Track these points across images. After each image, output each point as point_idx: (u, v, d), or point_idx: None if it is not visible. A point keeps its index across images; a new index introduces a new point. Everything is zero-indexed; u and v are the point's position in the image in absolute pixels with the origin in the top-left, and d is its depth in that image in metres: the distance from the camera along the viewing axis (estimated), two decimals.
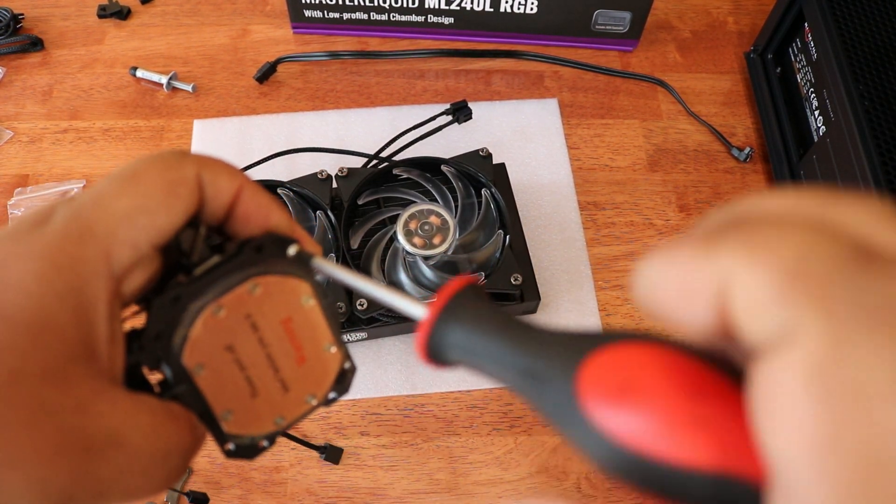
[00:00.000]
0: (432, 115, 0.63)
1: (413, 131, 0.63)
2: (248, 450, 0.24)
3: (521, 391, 0.19)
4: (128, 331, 0.22)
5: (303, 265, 0.24)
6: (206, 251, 0.23)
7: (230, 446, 0.23)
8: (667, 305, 0.15)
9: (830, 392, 0.11)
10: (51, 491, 0.18)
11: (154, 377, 0.22)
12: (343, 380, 0.26)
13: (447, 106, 0.64)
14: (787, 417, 0.12)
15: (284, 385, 0.24)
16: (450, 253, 0.56)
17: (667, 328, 0.15)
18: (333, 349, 0.25)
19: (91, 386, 0.19)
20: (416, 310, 0.22)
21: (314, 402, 0.25)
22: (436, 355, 0.21)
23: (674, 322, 0.15)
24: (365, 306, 0.53)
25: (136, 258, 0.21)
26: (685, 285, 0.14)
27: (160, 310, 0.21)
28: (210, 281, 0.22)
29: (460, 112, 0.63)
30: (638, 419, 0.15)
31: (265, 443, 0.24)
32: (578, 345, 0.17)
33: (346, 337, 0.57)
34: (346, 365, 0.26)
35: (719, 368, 0.15)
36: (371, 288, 0.24)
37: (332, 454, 0.54)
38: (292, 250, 0.24)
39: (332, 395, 0.26)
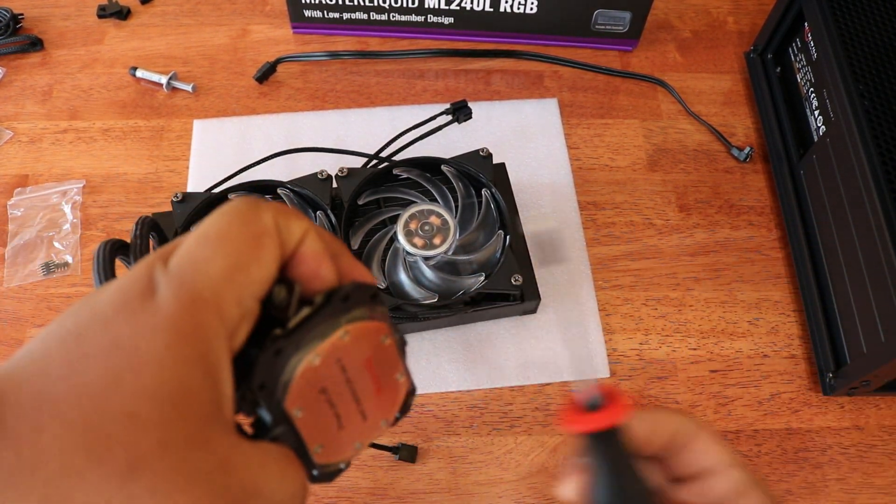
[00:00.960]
0: (432, 114, 0.63)
1: (413, 131, 0.63)
2: (329, 475, 0.26)
3: None
4: None
5: (380, 307, 0.26)
6: (296, 303, 0.24)
7: (315, 472, 0.25)
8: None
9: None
10: None
11: (245, 420, 0.24)
12: (408, 401, 0.28)
13: (447, 106, 0.64)
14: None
15: (364, 414, 0.26)
16: (450, 253, 0.56)
17: None
18: (402, 378, 0.28)
19: (228, 443, 0.21)
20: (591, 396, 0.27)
21: (385, 426, 0.28)
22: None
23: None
24: None
25: (243, 314, 0.22)
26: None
27: (265, 363, 0.23)
28: (306, 332, 0.24)
29: (460, 112, 0.63)
30: None
31: (343, 465, 0.27)
32: None
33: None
34: (410, 388, 0.28)
35: None
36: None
37: (406, 453, 0.54)
38: (373, 296, 0.26)
39: (397, 415, 0.29)
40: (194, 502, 0.19)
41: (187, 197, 0.56)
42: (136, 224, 0.36)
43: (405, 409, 0.28)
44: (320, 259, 0.25)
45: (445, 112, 0.63)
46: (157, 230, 0.40)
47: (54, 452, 0.18)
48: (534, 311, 0.60)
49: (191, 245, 0.22)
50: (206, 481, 0.19)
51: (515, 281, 0.54)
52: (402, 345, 0.28)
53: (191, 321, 0.20)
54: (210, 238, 0.22)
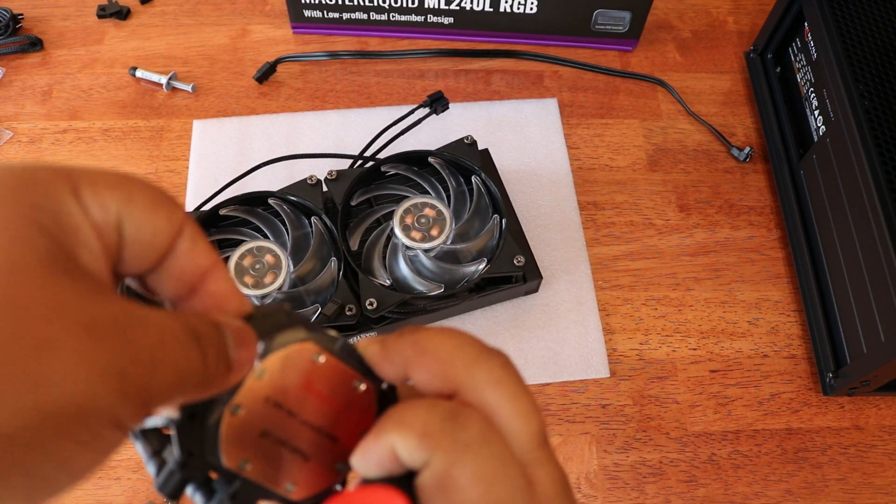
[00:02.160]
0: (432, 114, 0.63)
1: (394, 127, 0.63)
2: (320, 498, 0.25)
3: None
4: (160, 452, 0.22)
5: (297, 325, 0.24)
6: None
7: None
8: (375, 468, 0.24)
9: (444, 483, 0.22)
10: (101, 366, 0.17)
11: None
12: (386, 402, 0.26)
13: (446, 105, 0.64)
14: (429, 499, 0.22)
15: (332, 437, 0.25)
16: (449, 243, 0.56)
17: None
18: (363, 385, 0.25)
19: (96, 282, 0.19)
20: None
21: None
22: None
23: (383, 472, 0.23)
24: (374, 306, 0.53)
25: (109, 224, 0.20)
26: (378, 459, 0.23)
27: (181, 432, 0.22)
28: None
29: (437, 103, 0.64)
30: None
31: (338, 487, 0.25)
32: None
33: (356, 338, 0.57)
34: (384, 387, 0.26)
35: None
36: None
37: None
38: (283, 317, 0.23)
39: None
40: (66, 327, 0.17)
41: None
42: None
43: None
44: (231, 301, 0.22)
45: (422, 105, 0.63)
46: None
47: None
48: (536, 290, 0.61)
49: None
50: (76, 305, 0.17)
51: (518, 262, 0.55)
52: (346, 352, 0.25)
53: (41, 176, 0.18)
54: (109, 169, 0.20)
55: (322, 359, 0.24)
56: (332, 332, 0.25)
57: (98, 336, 0.17)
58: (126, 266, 0.21)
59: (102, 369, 0.17)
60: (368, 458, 0.22)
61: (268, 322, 0.23)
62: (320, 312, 0.52)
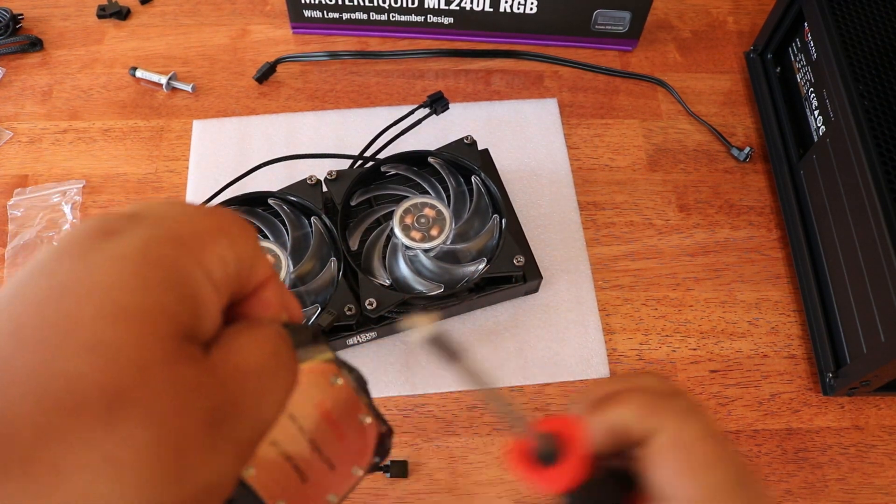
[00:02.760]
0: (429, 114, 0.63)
1: (394, 127, 0.63)
2: None
3: None
4: None
5: (324, 346, 0.24)
6: None
7: None
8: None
9: (684, 452, 0.26)
10: (227, 449, 0.18)
11: None
12: (383, 444, 0.26)
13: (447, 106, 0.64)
14: (663, 471, 0.26)
15: (330, 463, 0.25)
16: (448, 243, 0.56)
17: None
18: (368, 419, 0.26)
19: (211, 354, 0.19)
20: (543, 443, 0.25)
21: (360, 473, 0.26)
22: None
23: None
24: (374, 305, 0.53)
25: (225, 277, 0.20)
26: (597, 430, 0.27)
27: None
28: None
29: (437, 103, 0.64)
30: None
31: None
32: None
33: (356, 338, 0.57)
34: (383, 430, 0.26)
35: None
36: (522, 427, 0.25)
37: (397, 469, 0.54)
38: (311, 335, 0.24)
39: (375, 459, 0.27)
40: (190, 418, 0.17)
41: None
42: None
43: (382, 452, 0.27)
44: (281, 308, 0.23)
45: (423, 105, 0.63)
46: None
47: (21, 422, 0.15)
48: (536, 289, 0.61)
49: (173, 203, 0.21)
50: (197, 394, 0.17)
51: (518, 262, 0.55)
52: (360, 383, 0.25)
53: (164, 254, 0.18)
54: (190, 206, 0.21)
55: (339, 382, 0.25)
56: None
57: (220, 423, 0.18)
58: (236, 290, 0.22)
59: (231, 450, 0.18)
60: (603, 426, 0.26)
61: (298, 335, 0.23)
62: (313, 323, 0.52)
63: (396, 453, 0.55)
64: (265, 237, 0.57)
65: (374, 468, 0.27)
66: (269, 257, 0.53)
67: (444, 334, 0.23)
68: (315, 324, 0.24)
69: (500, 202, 0.58)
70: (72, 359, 0.16)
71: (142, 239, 0.18)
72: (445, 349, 0.23)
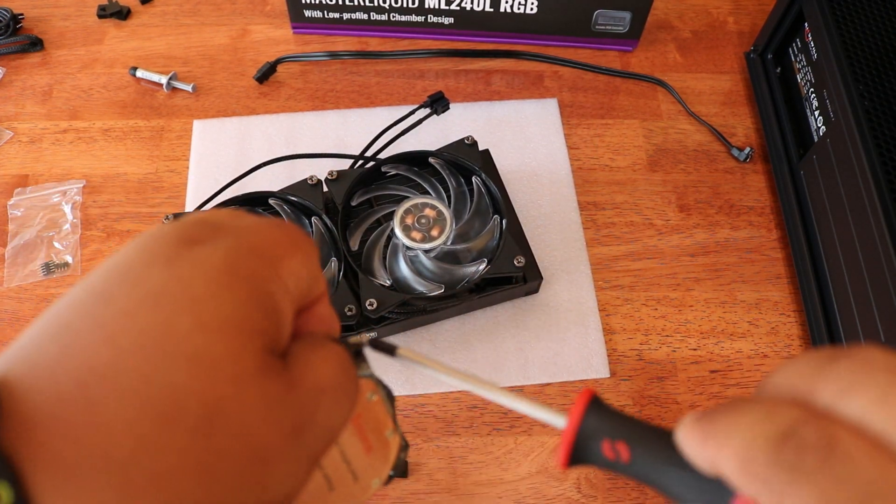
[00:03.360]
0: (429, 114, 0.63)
1: (395, 127, 0.63)
2: None
3: (663, 485, 0.20)
4: None
5: (365, 363, 0.25)
6: None
7: None
8: None
9: None
10: (304, 461, 0.19)
11: None
12: (399, 458, 0.27)
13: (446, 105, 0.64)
14: None
15: (355, 475, 0.26)
16: (449, 243, 0.56)
17: None
18: (393, 434, 0.27)
19: (290, 366, 0.20)
20: (556, 418, 0.23)
21: (378, 485, 0.27)
22: (577, 460, 0.22)
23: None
24: (375, 306, 0.53)
25: (298, 291, 0.21)
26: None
27: None
28: None
29: (438, 104, 0.64)
30: None
31: None
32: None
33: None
34: (402, 444, 0.27)
35: None
36: (500, 396, 0.24)
37: (398, 470, 0.54)
38: (357, 341, 0.25)
39: (391, 473, 0.28)
40: (276, 430, 0.18)
41: (178, 218, 0.56)
42: None
43: (398, 466, 0.27)
44: (333, 323, 0.24)
45: (423, 105, 0.63)
46: None
47: (122, 430, 0.16)
48: (536, 290, 0.61)
49: (251, 217, 0.21)
50: (283, 407, 0.18)
51: (518, 263, 0.55)
52: (390, 399, 0.27)
53: (250, 267, 0.19)
54: (264, 219, 0.21)
55: (374, 398, 0.26)
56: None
57: (299, 434, 0.19)
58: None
59: (305, 461, 0.19)
60: (695, 453, 0.18)
61: (350, 350, 0.24)
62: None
63: None
64: None
65: (388, 480, 0.27)
66: None
67: (376, 338, 0.24)
68: (357, 340, 0.24)
69: (500, 203, 0.58)
70: (171, 369, 0.17)
71: (227, 251, 0.19)
72: (382, 346, 0.25)
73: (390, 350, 0.25)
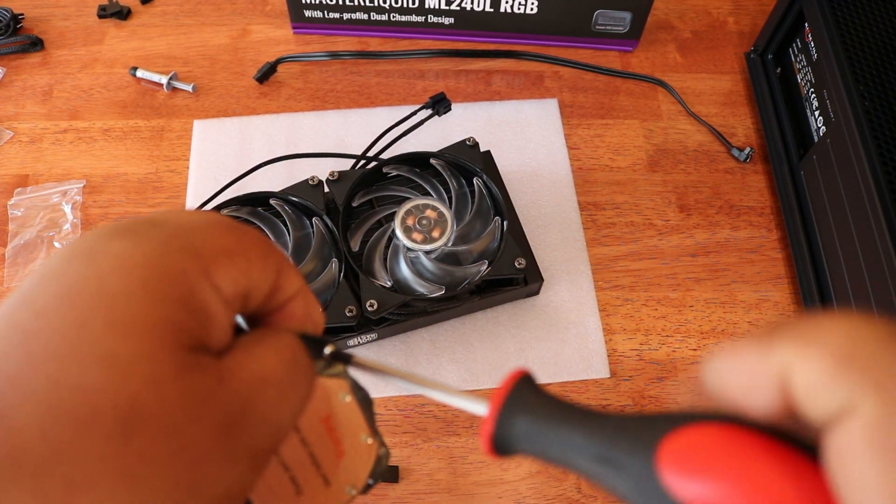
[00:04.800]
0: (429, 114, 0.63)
1: (396, 128, 0.63)
2: None
3: (594, 476, 0.19)
4: None
5: (337, 363, 0.24)
6: None
7: None
8: (734, 395, 0.17)
9: (889, 450, 0.14)
10: (240, 457, 0.18)
11: None
12: (379, 465, 0.26)
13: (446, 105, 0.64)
14: (856, 475, 0.14)
15: (326, 480, 0.25)
16: (450, 245, 0.56)
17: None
18: (369, 440, 0.26)
19: (222, 361, 0.19)
20: (477, 406, 0.22)
21: (353, 493, 0.26)
22: (502, 448, 0.21)
23: (741, 407, 0.17)
24: (375, 307, 0.53)
25: (236, 294, 0.20)
26: (750, 378, 0.17)
27: None
28: None
29: (439, 105, 0.64)
30: (721, 494, 0.16)
31: None
32: (652, 429, 0.18)
33: (356, 339, 0.57)
34: (381, 451, 0.26)
35: (784, 439, 0.17)
36: (422, 387, 0.23)
37: (388, 475, 0.53)
38: (328, 350, 0.23)
39: (369, 481, 0.26)
40: (204, 428, 0.17)
41: None
42: None
43: (377, 473, 0.26)
44: (306, 321, 0.23)
45: (425, 106, 0.63)
46: None
47: (33, 437, 0.15)
48: (537, 292, 0.61)
49: (199, 213, 0.20)
50: (210, 403, 0.17)
51: (519, 264, 0.55)
52: (366, 403, 0.25)
53: (174, 264, 0.18)
54: (216, 219, 0.20)
55: (347, 399, 0.25)
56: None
57: (234, 431, 0.18)
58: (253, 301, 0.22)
59: (246, 459, 0.18)
60: (764, 377, 0.16)
61: (315, 347, 0.23)
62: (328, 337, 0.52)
63: (396, 453, 0.55)
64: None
65: (366, 489, 0.26)
66: None
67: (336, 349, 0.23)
68: (332, 338, 0.23)
69: (501, 204, 0.58)
70: (84, 372, 0.16)
71: (152, 246, 0.18)
72: (340, 356, 0.24)
73: (346, 359, 0.24)
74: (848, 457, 0.15)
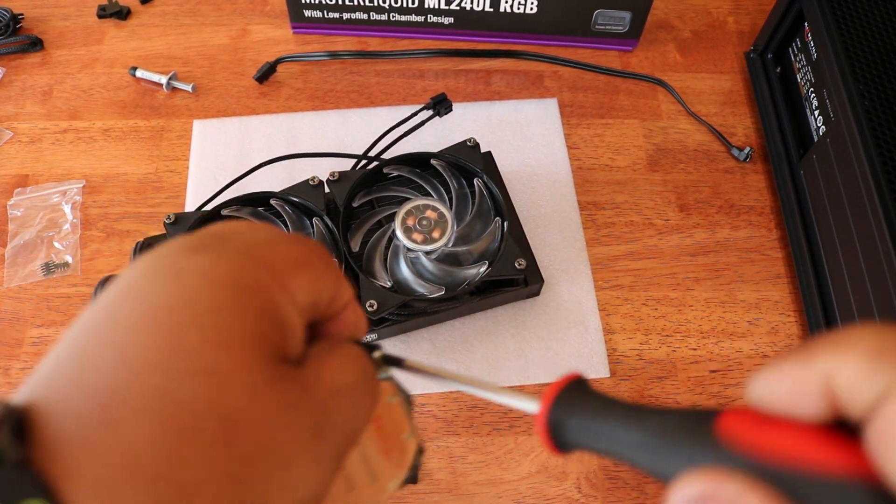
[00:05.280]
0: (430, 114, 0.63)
1: (398, 128, 0.63)
2: None
3: (648, 463, 0.20)
4: None
5: (385, 367, 0.26)
6: None
7: None
8: (783, 404, 0.19)
9: None
10: (326, 460, 0.20)
11: None
12: (416, 462, 0.28)
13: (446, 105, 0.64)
14: None
15: (373, 476, 0.26)
16: (450, 245, 0.56)
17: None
18: (410, 438, 0.27)
19: (304, 369, 0.20)
20: (529, 404, 0.23)
21: (394, 487, 0.27)
22: (559, 443, 0.22)
23: (790, 415, 0.19)
24: (375, 308, 0.53)
25: (307, 304, 0.21)
26: (797, 386, 0.18)
27: None
28: None
29: (441, 105, 0.63)
30: (785, 443, 0.18)
31: None
32: (699, 415, 0.20)
33: None
34: (419, 449, 0.28)
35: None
36: (473, 388, 0.25)
37: (410, 476, 0.54)
38: (377, 355, 0.25)
39: (406, 475, 0.28)
40: (295, 433, 0.18)
41: (179, 218, 0.56)
42: (134, 249, 0.35)
43: (414, 469, 0.28)
44: (359, 327, 0.24)
45: (426, 107, 0.63)
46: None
47: (145, 447, 0.16)
48: (537, 293, 0.61)
49: (258, 227, 0.22)
50: (300, 410, 0.19)
51: (519, 265, 0.55)
52: (408, 403, 0.27)
53: (255, 279, 0.19)
54: (279, 232, 0.22)
55: (395, 400, 0.26)
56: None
57: (319, 435, 0.19)
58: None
59: (328, 461, 0.20)
60: (810, 383, 0.18)
61: (372, 353, 0.25)
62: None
63: None
64: None
65: (402, 485, 0.28)
66: None
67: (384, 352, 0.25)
68: (380, 344, 0.25)
69: (502, 205, 0.58)
70: (186, 384, 0.17)
71: (233, 262, 0.19)
72: (393, 360, 0.25)
73: (398, 363, 0.25)
74: (890, 433, 0.16)
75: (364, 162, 0.62)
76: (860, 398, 0.17)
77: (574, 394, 0.22)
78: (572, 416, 0.22)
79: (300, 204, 0.58)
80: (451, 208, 0.58)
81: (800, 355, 0.19)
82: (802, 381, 0.18)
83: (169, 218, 0.56)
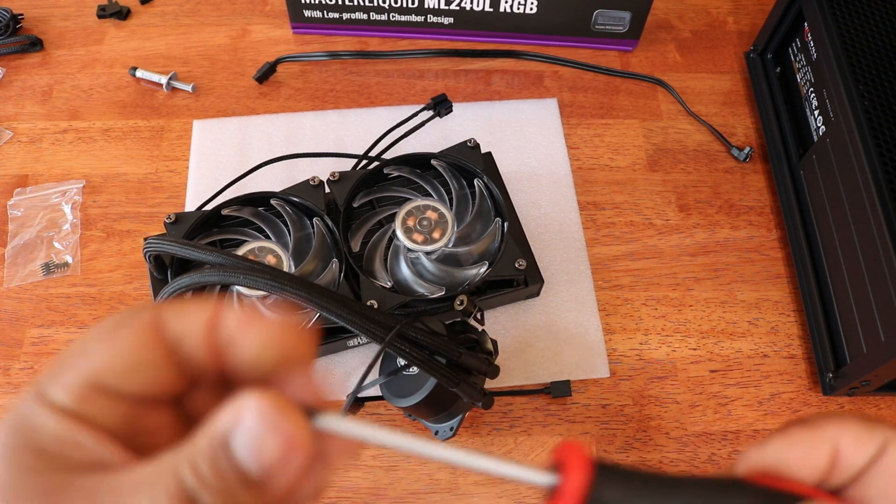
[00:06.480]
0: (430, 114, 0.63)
1: (398, 129, 0.63)
2: None
3: None
4: None
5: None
6: None
7: None
8: (793, 465, 0.23)
9: None
10: None
11: None
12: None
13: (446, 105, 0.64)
14: None
15: None
16: (450, 246, 0.56)
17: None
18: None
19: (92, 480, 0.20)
20: (544, 477, 0.20)
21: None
22: None
23: (797, 474, 0.23)
24: (375, 307, 0.53)
25: (80, 396, 0.20)
26: (807, 451, 0.22)
27: None
28: None
29: (441, 105, 0.63)
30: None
31: None
32: (726, 480, 0.22)
33: (356, 340, 0.58)
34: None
35: None
36: (472, 460, 0.20)
37: (559, 389, 0.56)
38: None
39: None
40: None
41: (180, 218, 0.56)
42: (144, 253, 0.36)
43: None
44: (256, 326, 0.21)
45: (426, 107, 0.63)
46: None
47: None
48: (537, 294, 0.61)
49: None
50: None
51: (519, 266, 0.55)
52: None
53: (18, 412, 0.20)
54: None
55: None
56: None
57: None
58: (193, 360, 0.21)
59: None
60: (822, 447, 0.22)
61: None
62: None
63: (395, 452, 0.55)
64: (267, 237, 0.57)
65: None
66: (271, 258, 0.53)
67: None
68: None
69: (502, 205, 0.58)
70: None
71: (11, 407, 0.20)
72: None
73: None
74: (892, 476, 0.22)
75: (364, 162, 0.62)
76: (865, 451, 0.22)
77: (606, 472, 0.20)
78: (610, 495, 0.20)
79: (300, 204, 0.58)
80: (451, 209, 0.58)
81: (808, 427, 0.23)
82: (814, 445, 0.22)
83: (169, 218, 0.56)
